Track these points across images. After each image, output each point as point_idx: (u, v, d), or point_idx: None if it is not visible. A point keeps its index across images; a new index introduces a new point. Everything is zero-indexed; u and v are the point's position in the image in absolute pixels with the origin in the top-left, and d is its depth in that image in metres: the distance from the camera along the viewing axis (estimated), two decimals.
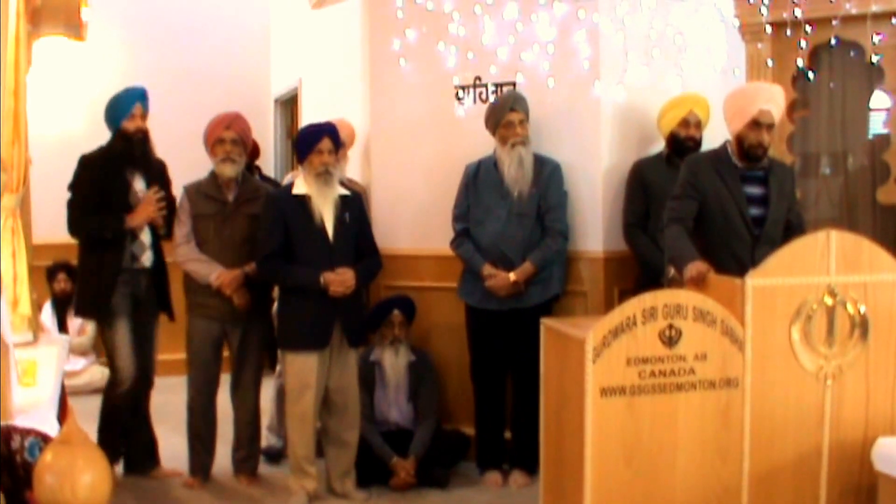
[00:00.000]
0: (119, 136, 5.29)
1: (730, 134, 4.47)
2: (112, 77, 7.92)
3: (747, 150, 4.37)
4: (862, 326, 3.86)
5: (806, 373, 3.83)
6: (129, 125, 5.26)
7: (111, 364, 5.34)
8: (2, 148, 4.04)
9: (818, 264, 3.82)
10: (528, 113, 5.24)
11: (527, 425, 4.96)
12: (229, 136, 5.26)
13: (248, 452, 5.42)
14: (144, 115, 5.33)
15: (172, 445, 5.61)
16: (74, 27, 5.48)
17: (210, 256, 5.22)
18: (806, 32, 5.23)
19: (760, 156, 4.39)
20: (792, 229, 4.50)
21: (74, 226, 5.27)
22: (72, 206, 5.25)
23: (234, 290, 5.16)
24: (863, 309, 3.86)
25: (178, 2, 8.42)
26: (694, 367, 3.70)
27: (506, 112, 5.19)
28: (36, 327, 4.56)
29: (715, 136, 4.96)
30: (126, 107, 5.29)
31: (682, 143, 5.17)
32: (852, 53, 5.49)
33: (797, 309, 3.80)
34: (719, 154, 4.49)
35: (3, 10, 3.86)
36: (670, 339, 3.66)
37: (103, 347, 5.48)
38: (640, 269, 5.21)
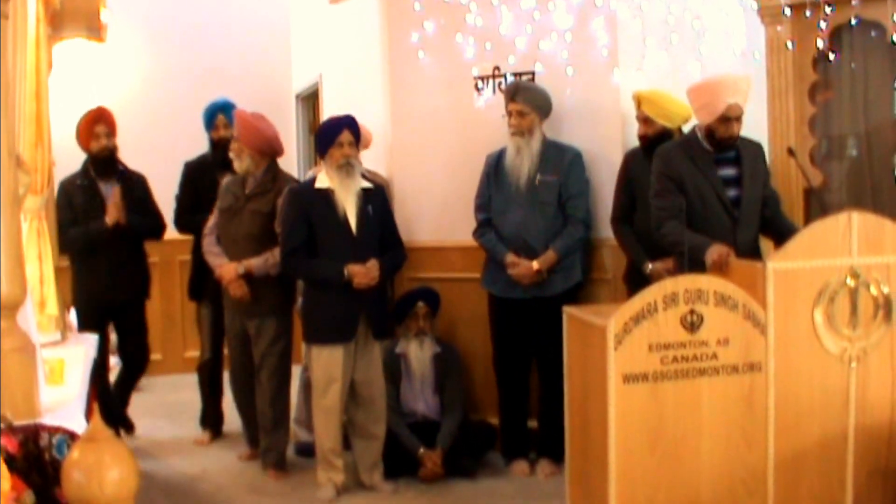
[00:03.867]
0: (210, 144, 6.09)
1: (698, 122, 4.50)
2: (134, 78, 8.01)
3: (719, 142, 4.43)
4: (886, 308, 3.84)
5: (830, 355, 3.81)
6: (214, 135, 6.04)
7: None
8: (25, 150, 4.08)
9: (840, 246, 3.80)
10: (536, 102, 5.24)
11: (552, 414, 4.97)
12: (231, 134, 5.53)
13: (268, 444, 5.49)
14: (227, 125, 5.88)
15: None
16: (94, 29, 5.52)
17: (222, 249, 5.44)
18: (825, 13, 5.19)
19: (733, 146, 4.45)
20: (771, 206, 4.56)
21: (176, 222, 6.12)
22: (176, 205, 6.12)
23: (230, 281, 5.32)
24: (886, 290, 3.83)
25: (197, 1, 8.45)
26: (716, 352, 3.69)
27: (507, 101, 5.26)
28: (64, 327, 4.62)
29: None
30: (209, 118, 6.02)
31: (640, 141, 5.17)
32: (873, 33, 5.43)
33: (819, 291, 3.79)
34: (690, 140, 4.52)
35: (23, 14, 3.89)
36: (692, 324, 3.66)
37: None
38: (628, 261, 5.23)
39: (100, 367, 5.49)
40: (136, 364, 6.19)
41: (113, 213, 5.65)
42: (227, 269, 5.34)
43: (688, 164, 4.43)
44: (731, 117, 4.36)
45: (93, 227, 5.71)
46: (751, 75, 4.47)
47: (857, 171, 5.61)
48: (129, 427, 6.23)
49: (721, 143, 4.42)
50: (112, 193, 5.73)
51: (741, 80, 4.41)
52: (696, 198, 4.40)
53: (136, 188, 5.91)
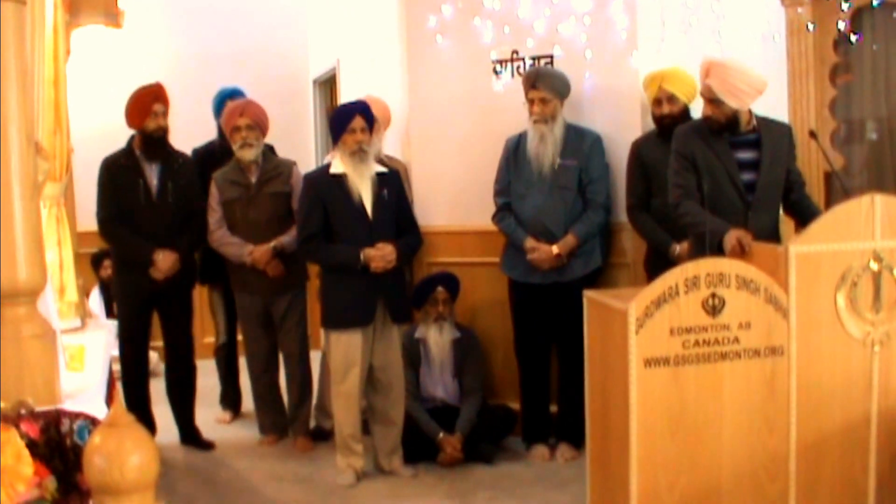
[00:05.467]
0: (218, 131, 6.08)
1: None
2: (152, 64, 7.98)
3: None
4: None
5: (852, 340, 3.78)
6: (223, 122, 5.88)
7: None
8: (43, 137, 4.08)
9: (862, 229, 3.76)
10: (558, 88, 5.21)
11: (572, 399, 4.96)
12: (244, 123, 5.52)
13: (297, 414, 5.75)
14: None
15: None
16: (112, 15, 5.54)
17: (240, 237, 5.52)
18: None
19: (714, 128, 4.36)
20: (795, 189, 4.48)
21: None
22: None
23: (266, 262, 5.46)
24: None
25: None
26: (738, 336, 3.67)
27: (528, 89, 5.22)
28: (83, 313, 4.63)
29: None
30: (219, 105, 6.03)
31: (660, 122, 5.10)
32: (895, 15, 5.39)
33: (842, 275, 3.75)
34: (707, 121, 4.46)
35: (41, 1, 3.89)
36: (714, 308, 3.64)
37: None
38: (648, 248, 5.20)
39: (135, 364, 5.55)
40: (179, 359, 5.68)
41: (159, 272, 5.35)
42: (259, 251, 5.45)
43: (702, 146, 4.38)
44: (703, 97, 4.35)
45: (139, 251, 5.35)
46: (728, 64, 4.36)
47: (878, 154, 5.57)
48: (203, 444, 5.73)
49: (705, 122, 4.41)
50: (163, 257, 5.32)
51: (714, 65, 4.31)
52: (709, 180, 4.32)
53: (181, 173, 5.52)
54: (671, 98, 5.04)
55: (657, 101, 5.08)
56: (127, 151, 5.45)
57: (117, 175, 5.40)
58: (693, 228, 4.33)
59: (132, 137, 5.47)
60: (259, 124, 5.54)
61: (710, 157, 4.36)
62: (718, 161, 4.35)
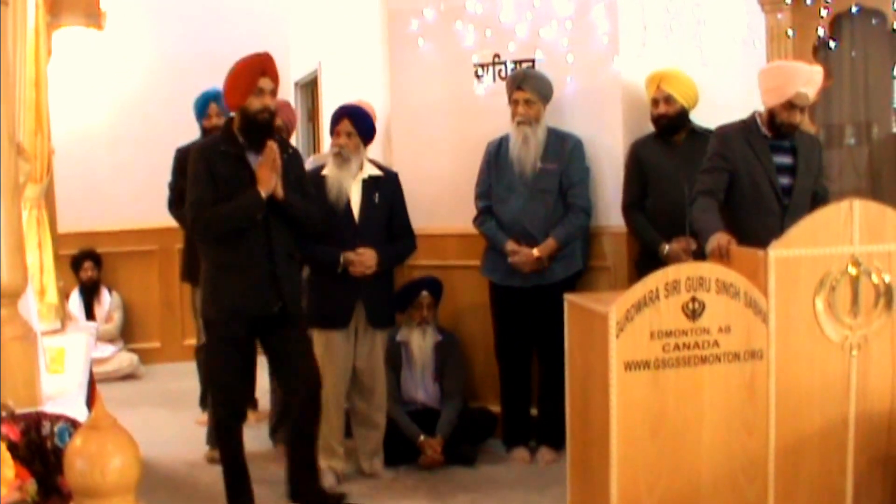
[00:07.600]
0: (201, 132, 5.82)
1: (762, 105, 4.44)
2: (133, 66, 7.98)
3: (779, 127, 4.37)
4: (887, 296, 3.82)
5: (831, 343, 3.80)
6: (206, 123, 5.78)
7: None
8: (25, 139, 4.07)
9: (841, 234, 3.78)
10: (543, 91, 5.22)
11: (553, 401, 4.97)
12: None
13: (278, 422, 5.64)
14: (220, 114, 5.68)
15: None
16: (93, 17, 5.53)
17: None
18: (826, 1, 5.19)
19: (791, 133, 4.40)
20: (818, 200, 4.49)
21: (170, 208, 5.82)
22: (170, 192, 5.79)
23: None
24: (887, 278, 3.81)
25: None
26: (718, 340, 3.68)
27: (513, 90, 5.23)
28: (63, 315, 4.62)
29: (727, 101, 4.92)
30: (202, 107, 5.84)
31: (657, 123, 5.13)
32: (874, 21, 5.44)
33: (821, 279, 3.77)
34: (748, 124, 4.46)
35: (22, 1, 3.88)
36: (693, 311, 3.65)
37: None
38: (640, 247, 5.22)
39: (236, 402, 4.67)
40: (307, 399, 4.65)
41: (266, 181, 4.33)
42: None
43: (744, 148, 4.41)
44: (796, 105, 4.31)
45: (244, 201, 4.35)
46: (821, 70, 4.42)
47: (857, 159, 5.61)
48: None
49: (780, 128, 4.37)
50: (264, 153, 4.35)
51: (816, 73, 4.35)
52: (747, 182, 4.39)
53: (292, 166, 4.60)
54: (668, 99, 5.06)
55: (654, 101, 5.12)
56: (226, 136, 4.51)
57: (216, 164, 4.42)
58: (694, 224, 4.39)
59: (229, 120, 4.61)
60: (287, 127, 5.52)
61: (750, 158, 4.40)
62: (759, 163, 4.39)
